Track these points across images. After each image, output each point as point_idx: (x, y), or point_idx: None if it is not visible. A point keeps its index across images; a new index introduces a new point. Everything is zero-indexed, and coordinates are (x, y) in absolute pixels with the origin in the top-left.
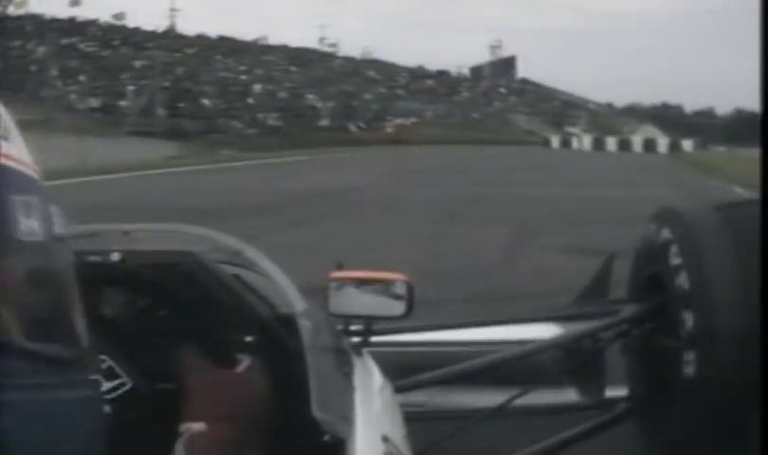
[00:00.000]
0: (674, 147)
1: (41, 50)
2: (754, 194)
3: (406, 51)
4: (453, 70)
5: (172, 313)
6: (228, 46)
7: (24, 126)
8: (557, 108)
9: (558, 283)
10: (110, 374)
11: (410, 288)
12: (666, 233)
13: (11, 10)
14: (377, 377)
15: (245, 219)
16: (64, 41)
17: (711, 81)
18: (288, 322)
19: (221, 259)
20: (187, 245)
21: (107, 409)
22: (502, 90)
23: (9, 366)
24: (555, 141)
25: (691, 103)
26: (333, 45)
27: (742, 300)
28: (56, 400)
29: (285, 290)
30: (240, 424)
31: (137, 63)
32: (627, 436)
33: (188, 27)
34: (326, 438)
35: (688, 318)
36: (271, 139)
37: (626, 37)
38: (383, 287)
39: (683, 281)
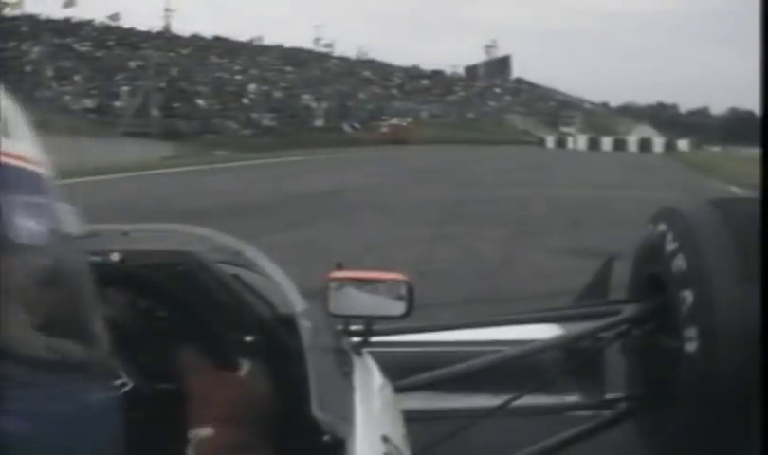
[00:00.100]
0: (670, 147)
1: (36, 51)
2: (750, 194)
3: (401, 51)
4: (448, 70)
5: (171, 313)
6: (222, 47)
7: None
8: (553, 108)
9: (557, 285)
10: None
11: (409, 288)
12: (662, 227)
13: (7, 11)
14: (377, 377)
15: (240, 220)
16: (59, 41)
17: (707, 80)
18: (288, 322)
19: (220, 259)
20: (186, 246)
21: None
22: (498, 90)
23: (19, 372)
24: (550, 141)
25: (687, 103)
26: (328, 45)
27: (738, 272)
28: (71, 406)
29: (285, 290)
30: (245, 426)
31: (132, 64)
32: (627, 436)
33: (183, 27)
34: (326, 438)
35: (687, 296)
36: (266, 140)
37: (621, 37)
38: (383, 287)
39: (680, 263)
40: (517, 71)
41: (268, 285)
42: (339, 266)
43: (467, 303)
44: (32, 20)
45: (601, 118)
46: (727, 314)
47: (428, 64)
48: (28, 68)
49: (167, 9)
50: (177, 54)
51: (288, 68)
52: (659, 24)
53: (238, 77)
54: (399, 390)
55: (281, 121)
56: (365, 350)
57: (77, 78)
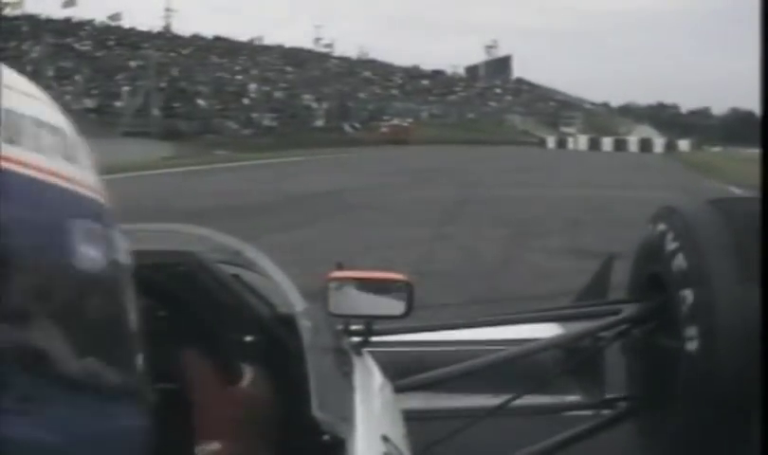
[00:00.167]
0: (670, 147)
1: (36, 51)
2: (750, 194)
3: (401, 51)
4: (449, 70)
5: (171, 313)
6: (223, 47)
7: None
8: (553, 108)
9: (557, 285)
10: None
11: (409, 288)
12: (661, 227)
13: (7, 11)
14: (377, 377)
15: (241, 220)
16: (60, 41)
17: (707, 80)
18: (288, 322)
19: (221, 259)
20: (186, 245)
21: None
22: (498, 90)
23: (54, 391)
24: (551, 141)
25: (687, 103)
26: (328, 45)
27: (739, 271)
28: (101, 427)
29: (285, 290)
30: (251, 438)
31: (133, 64)
32: (627, 436)
33: (183, 27)
34: (326, 438)
35: (688, 295)
36: (267, 140)
37: (622, 37)
38: (383, 287)
39: (680, 262)
40: (517, 71)
41: (268, 285)
42: (339, 266)
43: (468, 304)
44: (33, 20)
45: (602, 119)
46: (728, 313)
47: (428, 64)
48: (29, 68)
49: (167, 9)
50: (178, 54)
51: (289, 68)
52: (660, 24)
53: (238, 77)
54: (399, 390)
55: (281, 121)
56: (365, 350)
57: (77, 78)
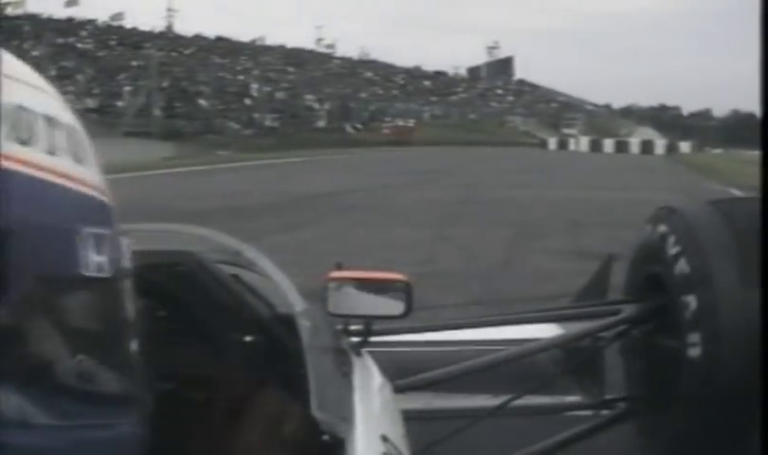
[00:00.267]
0: (671, 148)
1: (38, 50)
2: (750, 195)
3: (403, 52)
4: (450, 71)
5: (171, 313)
6: (225, 47)
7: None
8: (555, 109)
9: (558, 287)
10: None
11: (409, 288)
12: (662, 228)
13: (9, 11)
14: (377, 377)
15: (242, 220)
16: (62, 41)
17: (708, 82)
18: (288, 322)
19: (220, 259)
20: (186, 246)
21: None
22: (500, 91)
23: (58, 404)
24: (552, 143)
25: (689, 105)
26: (330, 45)
27: (742, 275)
28: (101, 437)
29: (285, 290)
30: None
31: (135, 64)
32: (627, 436)
33: (185, 27)
34: (326, 438)
35: (691, 301)
36: (268, 140)
37: (624, 38)
38: (382, 287)
39: (682, 266)
40: (519, 72)
41: (268, 285)
42: (339, 266)
43: (468, 304)
44: (34, 19)
45: (603, 120)
46: (731, 317)
47: (430, 65)
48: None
49: (169, 9)
50: (180, 54)
51: (290, 69)
52: (661, 25)
53: (240, 77)
54: (399, 390)
55: (283, 122)
56: (364, 350)
57: (79, 77)
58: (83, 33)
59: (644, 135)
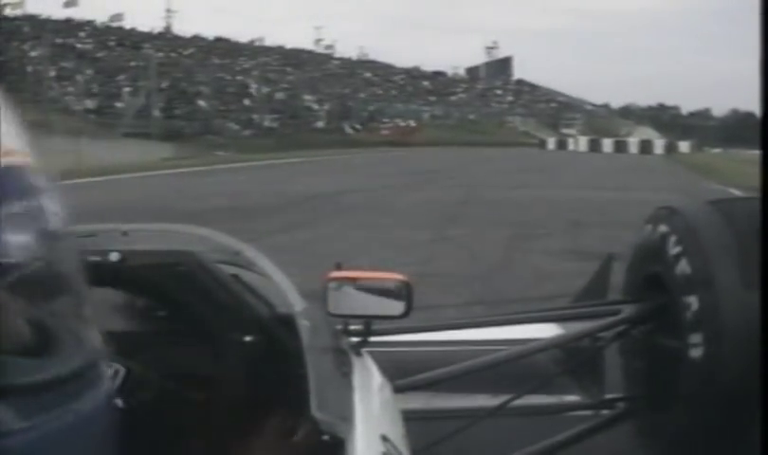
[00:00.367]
0: (670, 148)
1: (37, 51)
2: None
3: (402, 52)
4: (449, 71)
5: (171, 313)
6: (224, 48)
7: (24, 128)
8: (554, 109)
9: (557, 287)
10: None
11: (408, 288)
12: (662, 228)
13: (8, 11)
14: (376, 377)
15: (241, 221)
16: (61, 42)
17: (708, 81)
18: (287, 322)
19: (220, 259)
20: (186, 245)
21: (119, 403)
22: (499, 91)
23: (13, 387)
24: (551, 143)
25: (688, 105)
26: (329, 46)
27: (743, 276)
28: (67, 411)
29: (285, 290)
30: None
31: (134, 65)
32: (627, 436)
33: (184, 28)
34: (326, 438)
35: (692, 302)
36: (267, 141)
37: (622, 38)
38: (382, 287)
39: (683, 267)
40: (518, 72)
41: (268, 285)
42: (339, 266)
43: (468, 304)
44: (34, 20)
45: (602, 120)
46: (733, 319)
47: (429, 65)
48: (30, 68)
49: (168, 10)
50: (179, 55)
51: (289, 69)
52: (660, 25)
53: (239, 78)
54: (399, 390)
55: (282, 122)
56: (364, 350)
57: (78, 78)
58: (82, 34)
59: (643, 134)
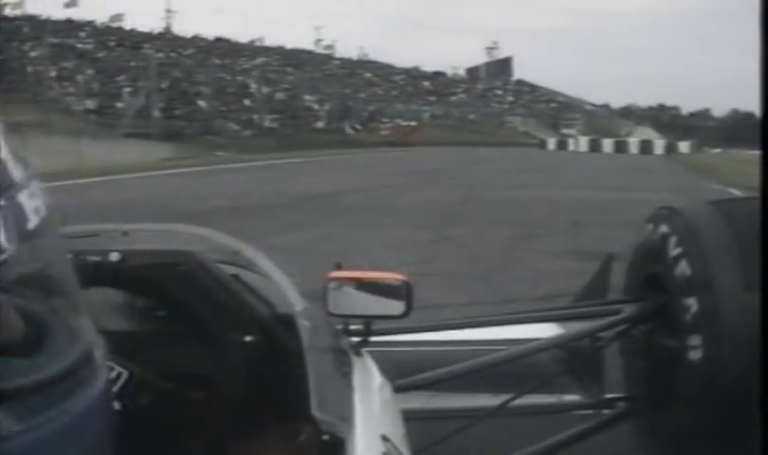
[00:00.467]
0: (670, 148)
1: (37, 51)
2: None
3: (402, 52)
4: (450, 71)
5: (171, 313)
6: (224, 48)
7: (21, 128)
8: (554, 110)
9: (557, 287)
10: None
11: (408, 288)
12: (663, 229)
13: (8, 12)
14: (377, 377)
15: (241, 221)
16: (61, 42)
17: (708, 82)
18: (287, 322)
19: (220, 259)
20: (186, 245)
21: (116, 405)
22: (499, 91)
23: (7, 390)
24: (551, 143)
25: (688, 105)
26: (329, 46)
27: (744, 278)
28: (61, 412)
29: (285, 290)
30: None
31: (134, 65)
32: (627, 436)
33: (184, 28)
34: (326, 437)
35: (692, 304)
36: (268, 141)
37: (622, 38)
38: (382, 287)
39: (683, 268)
40: (518, 73)
41: (268, 285)
42: (339, 266)
43: (468, 305)
44: (33, 20)
45: (602, 120)
46: (733, 321)
47: (429, 66)
48: (30, 69)
49: (168, 10)
50: (179, 55)
51: (289, 69)
52: (661, 25)
53: (239, 78)
54: (399, 390)
55: (282, 123)
56: (364, 350)
57: (78, 78)
58: (83, 34)
59: (643, 134)
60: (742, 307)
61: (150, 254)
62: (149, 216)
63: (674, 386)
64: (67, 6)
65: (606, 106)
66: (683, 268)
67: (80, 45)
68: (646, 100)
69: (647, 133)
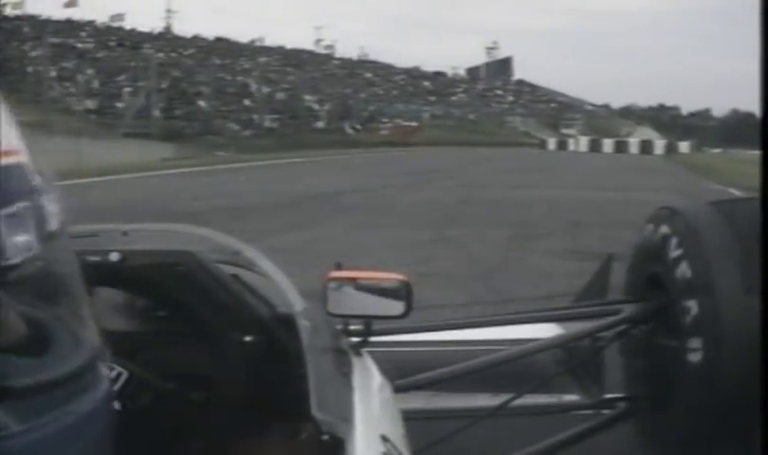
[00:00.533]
0: (671, 148)
1: (37, 51)
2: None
3: (402, 52)
4: (450, 71)
5: (171, 313)
6: (224, 48)
7: (22, 128)
8: (554, 110)
9: (557, 287)
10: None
11: (408, 288)
12: (664, 229)
13: (8, 11)
14: (376, 377)
15: (241, 221)
16: (61, 42)
17: (708, 82)
18: (287, 322)
19: (220, 259)
20: (186, 245)
21: (117, 405)
22: (499, 92)
23: (12, 389)
24: (551, 143)
25: (688, 105)
26: (329, 46)
27: (744, 280)
28: (64, 412)
29: (284, 290)
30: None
31: (134, 65)
32: (627, 436)
33: (184, 28)
34: (325, 437)
35: (692, 306)
36: (268, 141)
37: (622, 38)
38: (382, 287)
39: (684, 270)
40: (518, 73)
41: (268, 285)
42: (339, 266)
43: (468, 305)
44: (33, 20)
45: (602, 120)
46: (733, 324)
47: (429, 66)
48: (30, 69)
49: (168, 10)
50: (179, 55)
51: (290, 69)
52: (661, 25)
53: (240, 78)
54: (399, 390)
55: (282, 123)
56: (364, 350)
57: (79, 78)
58: (83, 34)
59: (643, 134)
60: (743, 311)
61: (150, 254)
62: (149, 216)
63: (674, 386)
64: (67, 6)
65: (606, 106)
66: (683, 270)
67: (80, 45)
68: (646, 99)
69: (647, 133)
